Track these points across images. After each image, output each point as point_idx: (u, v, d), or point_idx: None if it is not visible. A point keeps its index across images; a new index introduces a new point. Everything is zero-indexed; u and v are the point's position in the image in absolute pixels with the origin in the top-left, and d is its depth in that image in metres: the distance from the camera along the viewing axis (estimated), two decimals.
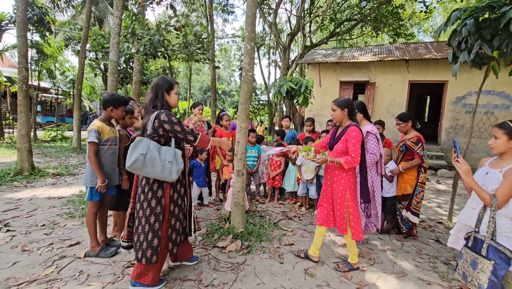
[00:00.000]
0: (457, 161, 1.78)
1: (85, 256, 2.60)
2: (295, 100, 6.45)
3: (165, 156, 1.98)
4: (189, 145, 2.25)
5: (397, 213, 3.29)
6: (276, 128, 15.59)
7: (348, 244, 2.55)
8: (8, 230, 3.10)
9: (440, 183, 6.94)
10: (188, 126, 2.13)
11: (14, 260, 2.51)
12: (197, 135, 2.10)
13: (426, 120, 14.58)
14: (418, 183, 3.14)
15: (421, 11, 11.48)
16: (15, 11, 5.52)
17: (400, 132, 3.36)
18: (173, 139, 2.08)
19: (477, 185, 1.73)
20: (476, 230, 1.78)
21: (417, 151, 3.08)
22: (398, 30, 12.72)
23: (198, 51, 7.36)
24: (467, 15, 3.07)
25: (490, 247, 1.66)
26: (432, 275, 2.56)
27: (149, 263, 2.03)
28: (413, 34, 14.81)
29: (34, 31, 10.25)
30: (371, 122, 3.05)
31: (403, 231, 3.26)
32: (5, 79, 11.96)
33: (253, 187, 5.14)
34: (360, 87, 10.11)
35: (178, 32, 7.45)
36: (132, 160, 1.94)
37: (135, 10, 8.45)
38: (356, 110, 2.83)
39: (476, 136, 8.52)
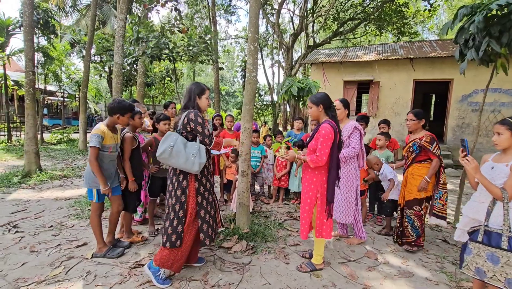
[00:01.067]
0: (466, 159, 1.81)
1: (92, 257, 2.63)
2: (300, 102, 6.49)
3: (190, 150, 2.19)
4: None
5: (406, 219, 2.97)
6: (280, 129, 15.59)
7: (315, 244, 2.52)
8: (16, 231, 3.15)
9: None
10: (208, 130, 2.29)
11: (23, 260, 2.55)
12: (213, 140, 2.30)
13: (431, 119, 14.44)
14: (440, 185, 2.90)
15: (425, 9, 11.38)
16: (21, 15, 5.60)
17: (408, 130, 3.11)
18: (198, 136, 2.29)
19: (486, 180, 1.76)
20: (486, 223, 1.77)
21: (434, 151, 2.81)
22: (402, 28, 12.64)
23: (202, 52, 7.38)
24: (478, 12, 3.00)
25: (511, 240, 1.66)
26: (440, 276, 2.53)
27: (173, 246, 2.19)
28: (417, 33, 14.70)
29: (40, 34, 10.40)
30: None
31: (412, 240, 2.94)
32: (12, 83, 12.18)
33: (257, 188, 5.14)
34: (364, 86, 10.05)
35: (184, 35, 7.48)
36: (161, 151, 2.16)
37: (139, 13, 8.52)
38: (344, 108, 2.92)
39: (483, 135, 8.40)
